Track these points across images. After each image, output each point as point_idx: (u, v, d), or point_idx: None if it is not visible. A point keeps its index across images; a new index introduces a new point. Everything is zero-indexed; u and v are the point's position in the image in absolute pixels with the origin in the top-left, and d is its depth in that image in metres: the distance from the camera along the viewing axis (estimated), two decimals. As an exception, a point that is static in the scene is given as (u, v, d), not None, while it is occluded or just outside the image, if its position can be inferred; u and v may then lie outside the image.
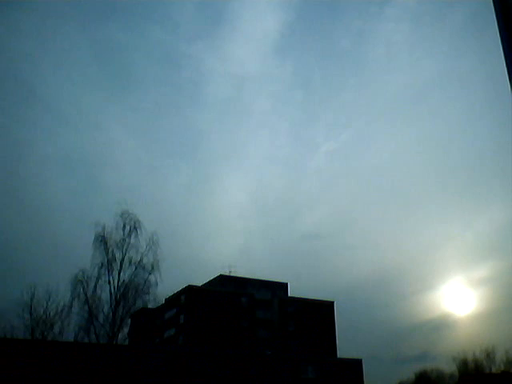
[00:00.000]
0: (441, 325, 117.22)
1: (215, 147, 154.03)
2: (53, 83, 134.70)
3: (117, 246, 45.74)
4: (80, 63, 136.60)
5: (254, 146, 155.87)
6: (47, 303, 51.58)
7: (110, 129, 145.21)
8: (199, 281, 75.79)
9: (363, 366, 65.16)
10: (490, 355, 78.86)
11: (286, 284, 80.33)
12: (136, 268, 45.27)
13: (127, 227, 46.14)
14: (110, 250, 45.45)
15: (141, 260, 45.38)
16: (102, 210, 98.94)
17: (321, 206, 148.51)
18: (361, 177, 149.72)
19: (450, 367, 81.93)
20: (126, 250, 45.63)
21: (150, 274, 45.04)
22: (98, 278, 44.38)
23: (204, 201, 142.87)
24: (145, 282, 44.95)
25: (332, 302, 78.37)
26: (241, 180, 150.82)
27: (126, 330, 47.53)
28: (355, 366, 64.48)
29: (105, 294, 44.55)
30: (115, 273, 44.97)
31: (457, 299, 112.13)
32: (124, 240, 45.83)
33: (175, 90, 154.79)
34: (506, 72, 2.84)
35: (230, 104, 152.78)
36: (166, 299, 68.81)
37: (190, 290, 70.12)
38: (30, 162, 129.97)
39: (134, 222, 46.36)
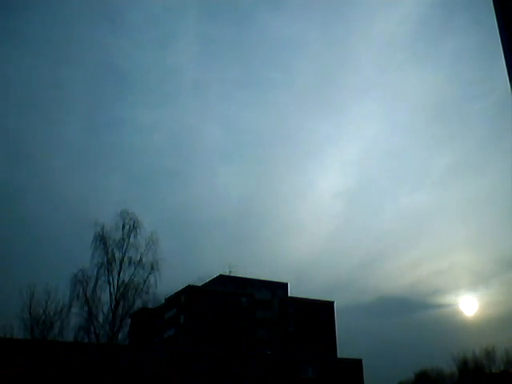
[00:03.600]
0: (442, 325, 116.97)
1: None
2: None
3: (116, 245, 45.71)
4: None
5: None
6: (46, 303, 51.48)
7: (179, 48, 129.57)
8: (199, 281, 75.85)
9: (363, 366, 65.41)
10: (490, 355, 78.83)
11: (286, 284, 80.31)
12: (136, 268, 45.21)
13: (126, 226, 46.05)
14: (110, 250, 45.42)
15: (140, 260, 45.33)
16: (103, 205, 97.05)
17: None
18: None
19: (449, 367, 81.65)
20: (126, 249, 45.58)
21: (149, 273, 44.98)
22: (97, 278, 44.32)
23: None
24: (144, 282, 44.89)
25: (332, 302, 78.24)
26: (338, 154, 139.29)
27: (125, 329, 47.51)
28: (355, 365, 64.54)
29: (104, 294, 44.49)
30: (115, 272, 44.93)
31: (460, 303, 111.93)
32: (123, 239, 45.76)
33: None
34: (506, 72, 2.83)
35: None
36: (165, 299, 68.80)
37: (190, 289, 70.06)
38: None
39: (134, 222, 46.27)
